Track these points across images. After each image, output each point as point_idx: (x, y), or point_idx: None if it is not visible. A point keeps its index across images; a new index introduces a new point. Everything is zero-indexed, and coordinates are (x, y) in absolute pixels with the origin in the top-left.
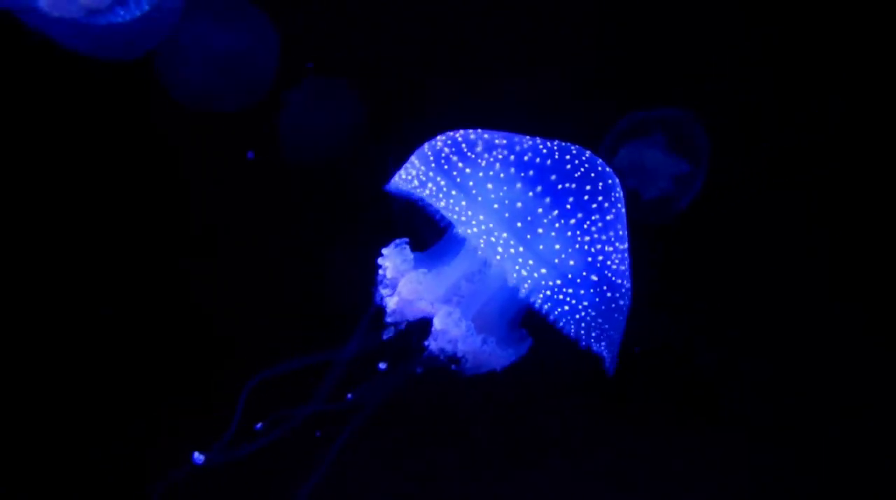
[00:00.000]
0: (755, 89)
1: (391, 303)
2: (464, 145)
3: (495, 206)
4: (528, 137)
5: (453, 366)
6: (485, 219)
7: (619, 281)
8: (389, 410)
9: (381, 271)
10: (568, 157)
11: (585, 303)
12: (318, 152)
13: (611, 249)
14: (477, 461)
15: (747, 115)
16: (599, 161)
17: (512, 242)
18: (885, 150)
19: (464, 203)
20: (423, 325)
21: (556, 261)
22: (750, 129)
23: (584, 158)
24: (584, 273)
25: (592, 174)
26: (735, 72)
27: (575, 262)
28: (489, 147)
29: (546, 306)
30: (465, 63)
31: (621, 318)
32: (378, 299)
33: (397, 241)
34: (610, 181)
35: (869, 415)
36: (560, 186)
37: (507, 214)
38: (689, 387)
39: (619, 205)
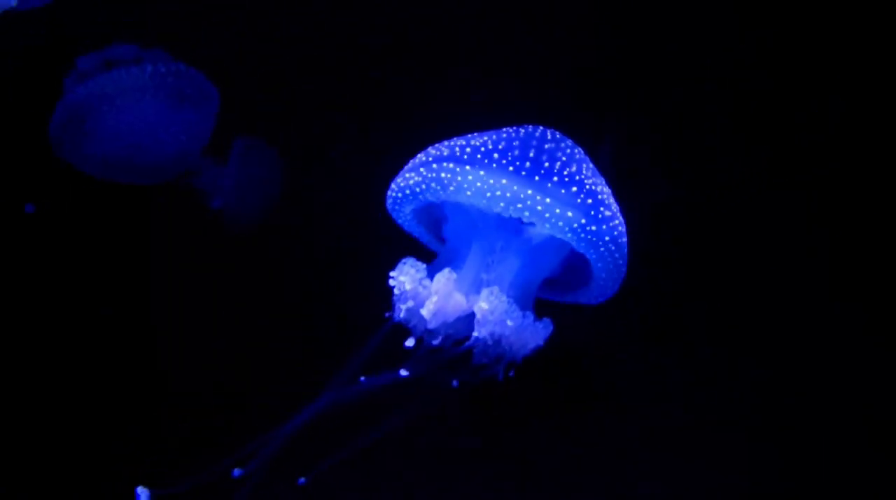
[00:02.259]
0: (755, 89)
1: (430, 307)
2: (447, 143)
3: (510, 169)
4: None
5: (500, 354)
6: (508, 182)
7: (619, 216)
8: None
9: (397, 289)
10: (530, 129)
11: (607, 238)
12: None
13: (606, 189)
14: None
15: (747, 114)
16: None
17: (539, 197)
18: (885, 149)
19: (482, 173)
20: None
21: (578, 201)
22: (749, 129)
23: (539, 128)
24: (601, 208)
25: (557, 136)
26: (734, 72)
27: (592, 200)
28: (472, 137)
29: (582, 246)
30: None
31: (625, 252)
32: (398, 315)
33: (403, 260)
34: (571, 142)
35: (869, 415)
36: (546, 146)
37: (523, 173)
38: (688, 387)
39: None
